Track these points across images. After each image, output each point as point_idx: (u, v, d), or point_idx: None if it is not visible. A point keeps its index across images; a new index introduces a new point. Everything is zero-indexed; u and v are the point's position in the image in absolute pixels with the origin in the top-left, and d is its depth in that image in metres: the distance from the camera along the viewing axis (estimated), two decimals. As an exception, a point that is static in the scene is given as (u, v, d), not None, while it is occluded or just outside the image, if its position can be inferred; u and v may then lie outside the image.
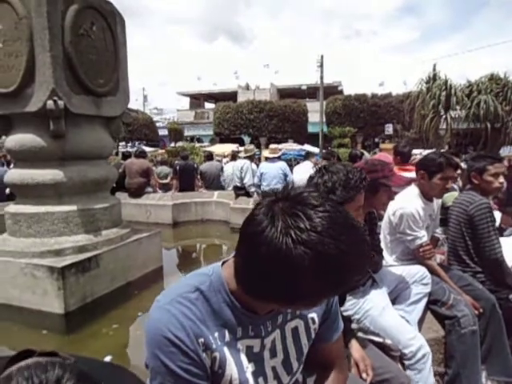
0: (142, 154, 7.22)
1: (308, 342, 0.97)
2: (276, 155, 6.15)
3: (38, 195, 3.40)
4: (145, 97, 47.49)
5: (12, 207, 3.52)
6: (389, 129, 17.30)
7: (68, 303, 3.03)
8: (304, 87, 28.63)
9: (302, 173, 5.87)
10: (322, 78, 23.31)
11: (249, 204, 6.23)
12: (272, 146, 6.10)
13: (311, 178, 1.56)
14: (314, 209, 0.70)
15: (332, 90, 28.45)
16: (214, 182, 7.42)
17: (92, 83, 3.42)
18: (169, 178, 7.63)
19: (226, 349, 0.85)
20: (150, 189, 7.06)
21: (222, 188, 7.60)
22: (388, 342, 1.70)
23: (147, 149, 16.15)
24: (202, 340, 0.82)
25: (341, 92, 29.53)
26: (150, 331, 0.83)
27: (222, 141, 25.87)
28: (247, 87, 35.41)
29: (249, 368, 0.87)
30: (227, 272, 0.87)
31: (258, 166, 7.19)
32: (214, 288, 0.86)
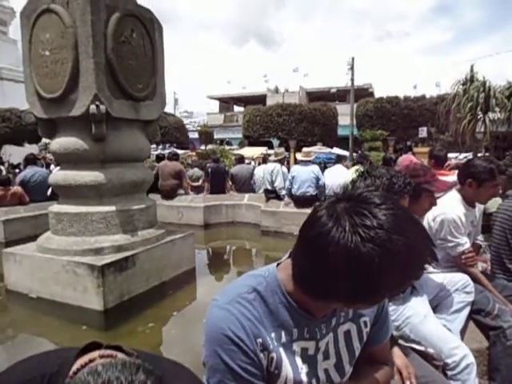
0: (174, 157, 7.38)
1: (360, 345, 0.97)
2: (309, 159, 6.11)
3: (80, 196, 3.54)
4: (175, 100, 48.50)
5: (55, 207, 3.68)
6: (423, 132, 16.77)
7: (107, 300, 3.14)
8: (334, 90, 28.32)
9: (334, 176, 5.81)
10: (352, 80, 22.98)
11: (279, 207, 6.24)
12: (305, 149, 6.06)
13: (353, 181, 1.55)
14: (377, 207, 0.71)
15: (362, 93, 27.99)
16: (244, 185, 7.47)
17: (131, 88, 3.54)
18: (200, 181, 7.75)
19: (281, 350, 0.86)
20: (182, 191, 7.20)
21: (253, 191, 7.64)
22: (430, 350, 1.65)
23: (178, 151, 16.43)
24: (260, 340, 0.83)
25: (371, 94, 28.98)
26: (211, 329, 0.85)
27: (251, 144, 25.97)
28: (276, 90, 35.44)
29: (303, 369, 0.87)
30: (283, 273, 0.88)
31: (288, 169, 7.18)
32: (271, 289, 0.87)
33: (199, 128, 29.72)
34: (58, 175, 3.67)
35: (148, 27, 3.68)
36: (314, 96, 32.03)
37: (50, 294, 3.34)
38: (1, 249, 5.09)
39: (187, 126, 33.47)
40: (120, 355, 0.67)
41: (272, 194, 6.44)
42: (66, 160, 3.65)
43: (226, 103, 37.67)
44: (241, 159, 7.89)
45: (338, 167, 5.96)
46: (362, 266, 0.67)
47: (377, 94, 28.75)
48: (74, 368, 0.62)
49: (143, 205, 3.78)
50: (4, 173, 10.73)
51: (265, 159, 8.37)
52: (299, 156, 6.06)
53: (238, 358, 0.80)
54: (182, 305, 3.57)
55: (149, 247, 3.60)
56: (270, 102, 29.99)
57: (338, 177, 5.69)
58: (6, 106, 21.01)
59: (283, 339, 0.86)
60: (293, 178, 6.00)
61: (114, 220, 3.52)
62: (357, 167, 5.66)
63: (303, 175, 5.92)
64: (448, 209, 2.21)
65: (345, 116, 23.96)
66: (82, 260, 3.21)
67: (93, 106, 3.22)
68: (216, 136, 26.64)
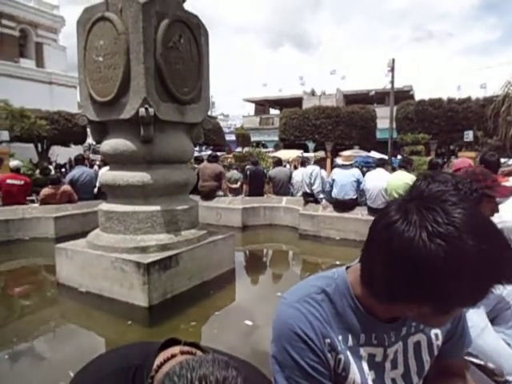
0: (214, 159, 7.51)
1: (430, 358, 0.93)
2: (349, 162, 6.02)
3: (127, 195, 3.68)
4: (212, 103, 49.40)
5: (105, 205, 3.85)
6: (468, 135, 15.97)
7: (151, 297, 3.23)
8: (372, 92, 27.71)
9: (375, 180, 5.67)
10: (392, 82, 22.35)
11: (318, 211, 6.17)
12: (345, 153, 5.99)
13: (414, 186, 1.50)
14: (453, 205, 0.67)
15: (402, 95, 27.16)
16: (282, 188, 7.46)
17: (178, 92, 3.64)
18: (239, 183, 7.83)
19: (348, 353, 0.85)
20: (221, 192, 7.30)
21: (291, 194, 7.61)
22: (490, 365, 1.57)
23: (215, 154, 16.69)
24: (329, 341, 0.83)
25: (412, 97, 28.08)
26: (280, 326, 0.85)
27: (287, 147, 25.89)
28: (312, 93, 35.19)
29: (370, 375, 0.86)
30: (352, 277, 0.87)
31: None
32: (339, 291, 0.86)
33: (235, 130, 30.08)
34: (107, 175, 3.83)
35: (195, 32, 3.77)
36: (351, 98, 31.50)
37: (99, 289, 3.49)
38: (51, 244, 5.43)
39: (223, 129, 33.94)
40: (198, 352, 0.68)
41: (310, 198, 6.38)
42: (115, 161, 3.81)
43: (262, 106, 37.82)
44: (279, 162, 7.89)
45: (380, 171, 5.81)
46: (426, 262, 0.64)
47: (417, 97, 27.83)
48: (158, 362, 0.65)
49: (186, 205, 3.87)
50: (53, 172, 11.31)
51: (304, 162, 8.31)
52: (339, 160, 5.97)
53: (306, 356, 0.81)
54: (223, 305, 3.61)
55: (191, 247, 3.68)
56: (306, 104, 29.81)
57: (380, 181, 5.55)
58: (55, 109, 22.26)
59: (350, 343, 0.85)
60: (333, 181, 5.93)
61: (158, 219, 3.63)
62: (400, 171, 5.50)
63: (343, 179, 5.83)
64: (508, 216, 2.09)
65: (383, 119, 23.34)
66: (129, 257, 3.33)
67: (142, 109, 3.34)
68: (252, 138, 26.82)
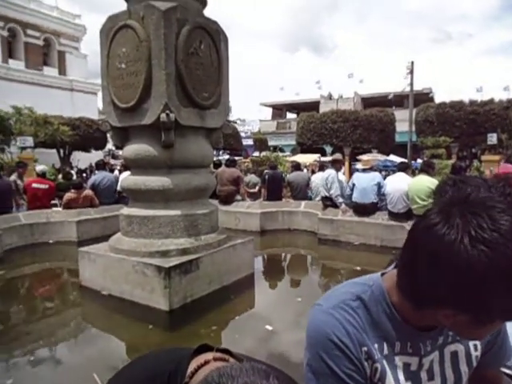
0: (232, 163, 7.54)
1: (468, 369, 0.90)
2: (367, 166, 5.94)
3: (148, 200, 3.72)
4: (229, 108, 49.70)
5: (126, 210, 3.90)
6: (492, 138, 15.53)
7: (172, 301, 3.25)
8: (391, 96, 27.37)
9: (396, 184, 5.57)
10: (411, 85, 22.04)
11: (337, 215, 6.11)
12: (364, 157, 5.92)
13: (443, 191, 1.46)
14: (501, 212, 0.64)
15: (422, 98, 26.72)
16: (300, 192, 7.42)
17: (198, 97, 3.67)
18: (257, 188, 7.83)
19: (384, 362, 0.82)
20: (239, 197, 7.32)
21: (309, 198, 7.56)
22: (525, 378, 1.50)
23: (232, 158, 16.77)
24: (366, 349, 0.81)
25: (431, 99, 27.60)
26: (315, 333, 0.83)
27: (304, 151, 25.80)
28: (330, 97, 35.00)
29: None
30: (388, 283, 0.85)
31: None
32: (375, 298, 0.84)
33: (252, 135, 30.20)
34: (129, 180, 3.89)
35: (215, 38, 3.80)
36: (369, 102, 31.19)
37: (120, 292, 3.53)
38: (74, 247, 5.55)
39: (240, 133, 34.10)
40: (231, 359, 0.67)
41: (329, 202, 6.32)
42: (137, 165, 3.86)
43: (279, 110, 37.86)
44: (297, 166, 7.85)
45: (401, 175, 5.71)
46: (467, 267, 0.61)
47: (437, 99, 27.33)
48: (192, 368, 0.64)
49: (206, 210, 3.89)
50: (75, 177, 11.61)
51: (322, 166, 8.25)
52: (359, 165, 5.90)
53: (342, 364, 0.79)
54: (242, 310, 3.61)
55: (211, 251, 3.69)
56: (323, 108, 29.68)
57: (401, 185, 5.45)
58: (76, 115, 22.86)
59: (385, 351, 0.83)
60: (353, 185, 5.86)
61: (179, 224, 3.66)
62: (422, 175, 5.39)
63: (363, 182, 5.76)
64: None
65: (402, 122, 23.01)
66: (150, 261, 3.36)
67: (163, 115, 3.38)
68: (269, 143, 26.86)
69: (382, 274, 0.89)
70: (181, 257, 3.47)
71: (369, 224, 5.77)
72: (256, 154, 22.79)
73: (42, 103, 19.65)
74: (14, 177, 6.77)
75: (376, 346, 0.82)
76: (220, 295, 3.68)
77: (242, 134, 35.45)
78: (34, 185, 6.54)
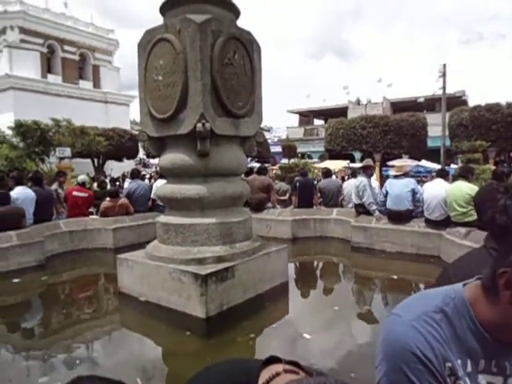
0: (263, 171, 7.56)
1: None
2: (400, 173, 5.80)
3: (184, 208, 3.78)
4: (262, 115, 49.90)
5: (163, 218, 3.98)
6: (532, 141, 14.82)
7: (208, 308, 3.27)
8: (421, 99, 26.68)
9: (434, 190, 5.40)
10: (444, 88, 21.45)
11: (371, 223, 5.98)
12: (397, 163, 5.78)
13: (495, 199, 1.40)
14: None
15: (454, 101, 25.86)
16: (332, 199, 7.33)
17: (232, 106, 3.72)
18: (287, 195, 7.80)
19: (467, 379, 0.79)
20: (270, 204, 7.32)
21: (341, 205, 7.46)
22: None
23: (260, 165, 16.81)
24: (450, 364, 0.78)
25: (465, 102, 26.67)
26: (394, 345, 0.81)
27: (332, 157, 25.52)
28: (358, 102, 34.54)
29: None
30: (471, 295, 0.82)
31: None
32: (458, 312, 0.81)
33: (280, 142, 30.20)
34: (165, 188, 3.98)
35: (248, 48, 3.85)
36: (398, 106, 30.54)
37: (157, 299, 3.60)
38: (110, 254, 5.72)
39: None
40: (301, 373, 0.67)
41: (362, 209, 6.21)
42: (173, 174, 3.95)
43: (306, 117, 37.71)
44: (328, 173, 7.77)
45: (439, 181, 5.53)
46: None
47: (471, 102, 26.39)
48: (263, 379, 0.64)
49: (241, 217, 3.91)
50: (108, 186, 11.99)
51: (354, 173, 8.12)
52: (392, 172, 5.77)
53: (424, 379, 0.76)
54: (278, 318, 3.59)
55: (246, 259, 3.70)
56: (351, 114, 29.30)
57: (439, 191, 5.28)
58: (110, 126, 23.70)
59: (469, 368, 0.80)
60: (386, 192, 5.73)
61: (214, 232, 3.69)
62: (460, 181, 5.19)
63: (397, 189, 5.61)
64: None
65: (434, 126, 22.35)
66: (186, 269, 3.41)
67: (199, 125, 3.45)
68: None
69: (464, 285, 0.86)
70: (217, 264, 3.50)
71: (404, 232, 5.61)
72: (284, 160, 22.77)
73: (78, 115, 20.50)
74: (55, 186, 7.07)
75: (459, 362, 0.79)
76: (255, 303, 3.67)
77: (269, 142, 35.56)
78: (75, 193, 6.81)
